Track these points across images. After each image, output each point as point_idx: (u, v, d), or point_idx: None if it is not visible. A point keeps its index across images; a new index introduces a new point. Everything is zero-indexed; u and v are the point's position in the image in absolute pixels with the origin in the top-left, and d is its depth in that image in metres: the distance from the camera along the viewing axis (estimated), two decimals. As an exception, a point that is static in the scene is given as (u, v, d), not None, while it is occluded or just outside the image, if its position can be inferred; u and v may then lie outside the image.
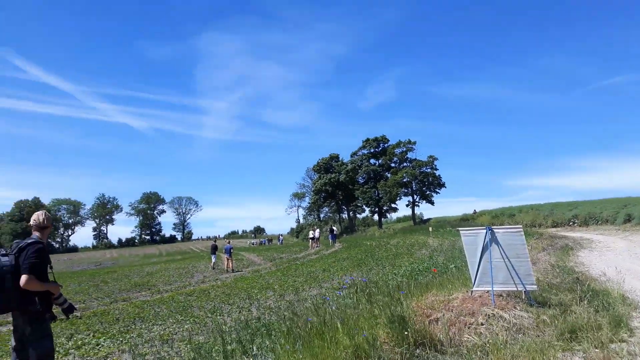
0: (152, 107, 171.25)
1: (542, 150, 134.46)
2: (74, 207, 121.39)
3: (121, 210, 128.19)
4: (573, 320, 6.10)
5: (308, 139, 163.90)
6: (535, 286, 7.39)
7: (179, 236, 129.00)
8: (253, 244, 69.61)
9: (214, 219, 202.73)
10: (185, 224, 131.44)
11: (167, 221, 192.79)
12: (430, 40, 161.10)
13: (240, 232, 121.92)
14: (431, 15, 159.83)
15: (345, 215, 76.79)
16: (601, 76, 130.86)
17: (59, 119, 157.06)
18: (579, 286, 7.85)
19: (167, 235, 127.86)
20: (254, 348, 6.91)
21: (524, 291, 7.24)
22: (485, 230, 7.53)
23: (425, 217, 66.77)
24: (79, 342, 9.16)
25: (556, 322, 6.14)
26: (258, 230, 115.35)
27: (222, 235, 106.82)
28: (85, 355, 8.05)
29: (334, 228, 40.94)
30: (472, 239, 7.70)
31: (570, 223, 31.34)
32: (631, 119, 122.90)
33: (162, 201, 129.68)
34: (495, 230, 7.51)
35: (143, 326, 10.60)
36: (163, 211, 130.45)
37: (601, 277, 9.82)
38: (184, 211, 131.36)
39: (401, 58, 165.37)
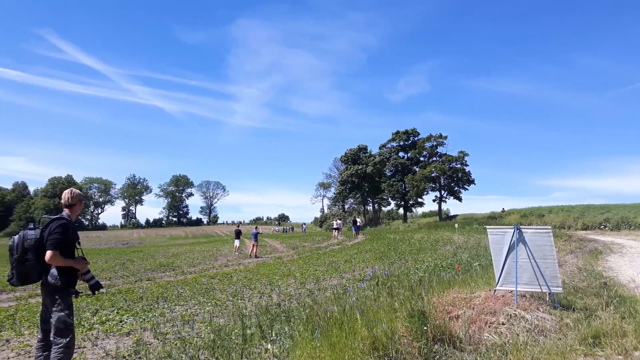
0: (185, 91, 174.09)
1: (574, 151, 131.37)
2: (105, 186, 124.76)
3: (150, 192, 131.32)
4: (597, 325, 5.97)
5: (336, 129, 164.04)
6: (561, 289, 7.25)
7: (205, 219, 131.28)
8: (276, 231, 70.17)
9: (239, 205, 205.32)
10: (211, 207, 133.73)
11: (194, 204, 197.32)
12: (466, 33, 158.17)
13: (264, 219, 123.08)
14: (468, 7, 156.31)
15: (370, 208, 76.58)
16: (637, 78, 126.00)
17: (94, 99, 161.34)
18: (605, 291, 7.65)
19: (194, 218, 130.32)
20: (273, 333, 7.00)
21: (549, 293, 7.11)
22: (513, 230, 7.41)
23: (451, 214, 66.02)
24: (103, 318, 9.41)
25: (579, 326, 6.03)
26: (282, 218, 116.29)
27: (247, 221, 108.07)
28: (108, 331, 8.26)
29: (358, 220, 40.85)
30: (499, 238, 7.60)
31: (602, 226, 30.50)
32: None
33: (191, 184, 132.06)
34: (523, 230, 7.38)
35: (165, 306, 10.80)
36: (191, 194, 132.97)
37: (630, 283, 9.56)
38: (211, 195, 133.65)
39: (435, 50, 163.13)
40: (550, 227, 7.63)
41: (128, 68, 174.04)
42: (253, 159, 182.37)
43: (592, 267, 12.18)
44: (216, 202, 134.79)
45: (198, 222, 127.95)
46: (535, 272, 7.05)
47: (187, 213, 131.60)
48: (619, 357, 4.99)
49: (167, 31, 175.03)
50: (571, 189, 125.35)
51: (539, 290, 7.17)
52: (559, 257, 14.10)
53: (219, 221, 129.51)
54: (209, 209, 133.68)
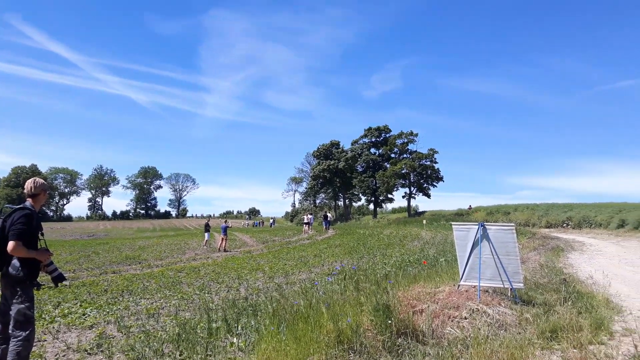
0: (156, 82, 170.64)
1: (542, 150, 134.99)
2: (71, 177, 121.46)
3: (118, 183, 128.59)
4: (555, 320, 6.16)
5: (310, 124, 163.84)
6: (522, 284, 7.45)
7: (173, 212, 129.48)
8: (246, 225, 69.89)
9: (210, 198, 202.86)
10: (180, 200, 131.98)
11: (163, 197, 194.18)
12: (439, 32, 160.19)
13: (235, 213, 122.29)
14: (443, 7, 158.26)
15: (341, 203, 76.97)
16: (606, 80, 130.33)
17: (62, 87, 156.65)
18: (564, 287, 7.91)
19: (162, 211, 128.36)
20: (239, 327, 6.99)
21: (510, 288, 7.30)
22: (477, 226, 7.57)
23: (420, 210, 66.94)
24: (66, 311, 9.20)
25: (538, 320, 6.21)
26: (253, 212, 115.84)
27: (216, 215, 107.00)
28: (70, 324, 8.08)
29: (329, 214, 41.00)
30: (463, 234, 7.75)
31: (564, 225, 31.48)
32: (633, 124, 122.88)
33: (160, 176, 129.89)
34: (487, 226, 7.54)
35: (130, 299, 10.65)
36: (160, 186, 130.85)
37: (588, 280, 9.91)
38: (180, 188, 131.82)
39: (409, 48, 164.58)
40: (513, 224, 7.82)
41: (98, 57, 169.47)
42: (225, 152, 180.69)
43: (554, 263, 12.56)
44: (185, 195, 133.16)
45: (166, 215, 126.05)
46: (498, 268, 7.22)
47: (155, 206, 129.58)
48: (574, 350, 5.16)
49: (138, 20, 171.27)
50: (537, 187, 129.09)
51: (501, 285, 7.35)
52: (523, 254, 14.51)
53: (188, 214, 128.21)
54: (178, 202, 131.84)
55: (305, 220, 36.78)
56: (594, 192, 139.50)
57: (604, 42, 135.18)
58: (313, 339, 5.35)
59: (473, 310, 6.38)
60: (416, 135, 62.75)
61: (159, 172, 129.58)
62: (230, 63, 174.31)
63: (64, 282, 5.32)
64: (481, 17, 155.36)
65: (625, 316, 7.00)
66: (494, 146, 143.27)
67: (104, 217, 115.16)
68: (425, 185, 60.79)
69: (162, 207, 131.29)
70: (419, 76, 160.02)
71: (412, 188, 61.62)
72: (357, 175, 67.17)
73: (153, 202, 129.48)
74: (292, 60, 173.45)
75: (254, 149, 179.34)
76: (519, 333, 5.86)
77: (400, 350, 5.27)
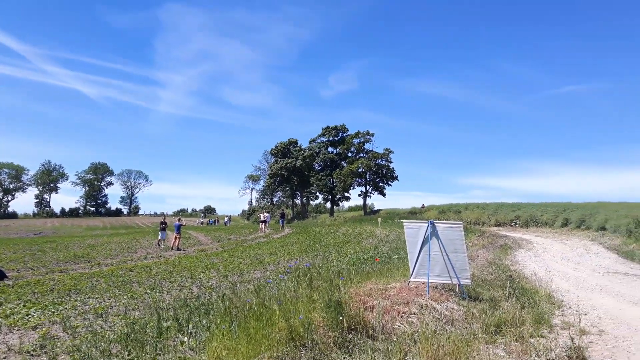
0: (107, 76, 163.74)
1: (492, 151, 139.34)
2: (16, 172, 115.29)
3: (67, 179, 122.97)
4: (500, 315, 6.42)
5: (267, 122, 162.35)
6: (469, 281, 7.70)
7: (125, 210, 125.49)
8: (201, 224, 68.78)
9: (163, 196, 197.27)
10: (132, 198, 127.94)
11: (114, 194, 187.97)
12: (395, 34, 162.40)
13: (190, 211, 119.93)
14: (399, 10, 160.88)
15: (298, 201, 76.96)
16: (552, 85, 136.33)
17: (6, 78, 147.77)
18: (509, 284, 8.22)
19: (113, 208, 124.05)
20: (190, 326, 6.92)
21: (458, 285, 7.53)
22: (427, 224, 7.75)
23: (375, 208, 67.77)
24: (8, 311, 8.79)
25: (484, 315, 6.44)
26: (209, 210, 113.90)
27: (170, 213, 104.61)
28: (12, 325, 7.73)
29: (285, 212, 40.90)
30: (414, 232, 7.92)
31: (512, 223, 32.71)
32: (577, 127, 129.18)
33: (111, 173, 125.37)
34: (436, 224, 7.74)
35: (78, 298, 10.29)
36: (111, 183, 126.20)
37: (532, 276, 10.35)
38: (132, 185, 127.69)
39: (365, 49, 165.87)
40: (461, 222, 8.06)
41: (46, 48, 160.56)
42: (179, 149, 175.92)
43: (501, 261, 13.05)
44: (138, 192, 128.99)
45: (118, 212, 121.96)
46: (447, 265, 7.43)
47: (106, 203, 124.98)
48: (516, 343, 5.38)
49: (90, 11, 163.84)
50: (488, 187, 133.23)
51: (450, 282, 7.57)
52: (472, 252, 14.98)
53: (141, 212, 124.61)
54: (129, 199, 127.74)
55: (262, 219, 36.53)
56: (541, 193, 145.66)
57: (550, 48, 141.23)
58: (265, 336, 5.34)
59: (422, 306, 6.53)
60: (372, 135, 63.54)
61: (110, 169, 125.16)
62: (185, 58, 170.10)
63: (6, 281, 5.09)
64: (435, 21, 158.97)
65: (564, 310, 7.36)
66: (447, 147, 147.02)
67: (51, 215, 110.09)
68: (380, 184, 61.65)
69: (113, 204, 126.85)
70: (374, 77, 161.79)
71: (368, 187, 62.35)
72: (315, 174, 67.34)
73: (104, 199, 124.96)
74: (249, 57, 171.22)
75: (209, 145, 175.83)
76: (465, 328, 6.06)
77: (351, 346, 5.35)
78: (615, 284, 9.99)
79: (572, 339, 5.14)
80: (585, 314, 7.15)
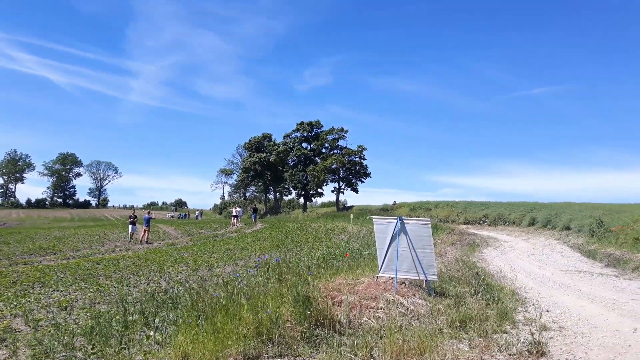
0: (76, 63, 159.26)
1: (462, 150, 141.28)
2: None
3: (33, 169, 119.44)
4: (465, 310, 6.54)
5: (241, 115, 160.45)
6: (436, 277, 7.82)
7: (93, 202, 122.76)
8: (172, 217, 67.96)
9: (133, 188, 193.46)
10: (101, 189, 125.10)
11: (82, 185, 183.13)
12: (370, 30, 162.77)
13: (160, 204, 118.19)
14: (375, 6, 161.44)
15: (271, 196, 76.72)
16: (522, 86, 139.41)
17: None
18: (475, 280, 8.38)
19: (81, 200, 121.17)
20: (157, 320, 6.85)
21: (425, 280, 7.64)
22: (396, 220, 7.83)
23: (348, 204, 68.26)
24: (-34, 304, 8.55)
25: (450, 311, 6.56)
26: (180, 204, 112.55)
27: (140, 205, 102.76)
28: (-30, 318, 7.51)
29: (258, 207, 40.71)
30: (383, 228, 8.00)
31: (481, 222, 33.35)
32: (544, 128, 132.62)
33: (79, 164, 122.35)
34: (405, 221, 7.83)
35: (42, 291, 10.08)
36: (79, 174, 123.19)
37: (498, 273, 10.58)
38: (101, 176, 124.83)
39: (340, 44, 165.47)
40: (429, 219, 8.18)
41: (13, 33, 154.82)
42: (150, 140, 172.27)
43: (469, 258, 13.29)
44: (107, 184, 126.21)
45: (86, 204, 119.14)
46: (414, 261, 7.53)
47: (74, 194, 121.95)
48: (480, 339, 5.50)
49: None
50: (458, 185, 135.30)
51: (417, 277, 7.68)
52: (441, 249, 15.23)
53: (109, 204, 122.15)
54: (98, 191, 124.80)
55: (234, 213, 36.25)
56: (509, 192, 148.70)
57: (520, 51, 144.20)
58: (232, 331, 5.33)
59: (389, 301, 6.60)
60: (346, 131, 63.80)
61: (79, 159, 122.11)
62: (157, 47, 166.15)
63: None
64: (410, 19, 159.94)
65: (528, 307, 7.55)
66: (419, 145, 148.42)
67: (17, 205, 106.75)
68: (353, 180, 62.03)
69: (82, 196, 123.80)
70: (350, 73, 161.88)
71: (341, 183, 62.64)
72: (289, 169, 67.19)
73: (71, 190, 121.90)
74: (222, 48, 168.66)
75: (181, 137, 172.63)
76: (431, 323, 6.16)
77: (318, 340, 5.38)
78: (577, 282, 10.29)
79: (532, 334, 5.27)
80: (547, 311, 7.34)
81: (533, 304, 7.62)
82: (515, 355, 4.98)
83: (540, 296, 8.45)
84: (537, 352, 4.99)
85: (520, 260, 14.32)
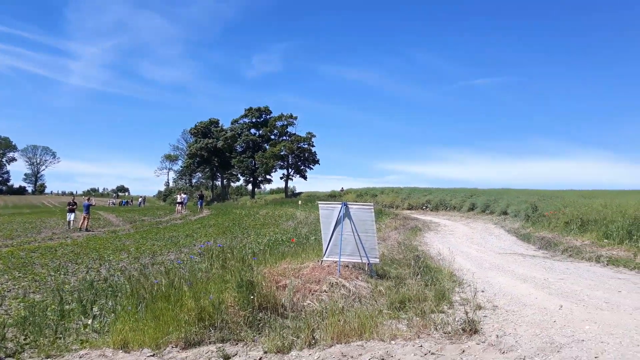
0: (12, 43, 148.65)
1: (408, 138, 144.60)
2: None
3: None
4: (404, 292, 6.77)
5: (187, 100, 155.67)
6: (378, 260, 8.03)
7: (29, 188, 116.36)
8: (113, 204, 65.68)
9: (72, 174, 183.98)
10: (38, 175, 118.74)
11: (17, 171, 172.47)
12: (319, 18, 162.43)
13: (101, 190, 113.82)
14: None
15: (218, 183, 75.60)
16: (465, 76, 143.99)
17: None
18: (416, 263, 8.66)
19: (16, 186, 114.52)
20: (96, 309, 6.68)
21: (368, 264, 7.82)
22: (340, 205, 7.95)
23: (297, 191, 68.42)
24: None
25: (390, 292, 6.76)
26: (121, 190, 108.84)
27: (79, 192, 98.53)
28: None
29: (204, 194, 40.06)
30: (328, 213, 8.10)
31: (424, 207, 34.41)
32: (486, 118, 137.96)
33: (14, 148, 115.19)
34: (349, 206, 7.96)
35: (-30, 282, 9.50)
36: (13, 159, 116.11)
37: (437, 256, 10.99)
38: (38, 162, 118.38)
39: (290, 31, 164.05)
40: (372, 204, 8.37)
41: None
42: (91, 124, 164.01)
43: (410, 242, 13.71)
44: (44, 169, 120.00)
45: (21, 190, 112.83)
46: (358, 245, 7.69)
47: (8, 180, 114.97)
48: (417, 318, 5.71)
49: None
50: (403, 172, 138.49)
51: (360, 261, 7.85)
52: (385, 233, 15.60)
53: (47, 191, 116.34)
54: (35, 176, 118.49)
55: (179, 200, 35.46)
56: (451, 178, 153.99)
57: (464, 43, 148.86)
58: (173, 317, 5.30)
59: (333, 284, 6.72)
60: (295, 118, 63.77)
61: (13, 144, 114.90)
62: (99, 28, 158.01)
63: None
64: (361, 9, 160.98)
65: (464, 288, 7.88)
66: (367, 133, 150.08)
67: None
68: (302, 167, 62.26)
69: (17, 182, 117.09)
70: (299, 60, 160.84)
71: (290, 170, 62.73)
72: (236, 155, 66.34)
73: (5, 176, 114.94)
74: (168, 31, 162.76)
75: (124, 122, 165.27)
76: (372, 304, 6.32)
77: (261, 324, 5.42)
78: (511, 264, 10.84)
79: (466, 313, 5.53)
80: (483, 291, 7.70)
81: (469, 285, 7.96)
82: (450, 333, 5.20)
83: (476, 277, 8.84)
84: (470, 330, 5.23)
85: (459, 244, 14.91)
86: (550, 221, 17.06)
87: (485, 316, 6.12)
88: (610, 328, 5.33)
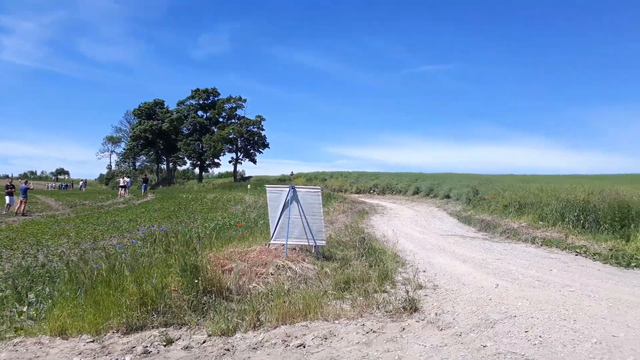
0: None
1: (356, 123, 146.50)
2: None
3: None
4: (349, 273, 6.92)
5: (130, 80, 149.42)
6: (324, 242, 8.16)
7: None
8: (52, 188, 62.65)
9: (7, 156, 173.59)
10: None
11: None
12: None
13: (39, 173, 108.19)
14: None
15: (164, 166, 73.58)
16: (412, 64, 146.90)
17: None
18: (361, 244, 8.87)
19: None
20: (31, 295, 6.42)
21: (315, 246, 7.93)
22: (288, 189, 7.98)
23: (246, 175, 67.84)
24: None
25: (336, 274, 6.89)
26: (61, 173, 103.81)
27: (16, 175, 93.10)
28: None
29: (148, 177, 38.94)
30: (276, 196, 8.12)
31: (371, 191, 35.10)
32: (430, 104, 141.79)
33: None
34: (297, 189, 8.01)
35: None
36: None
37: (382, 238, 11.28)
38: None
39: (240, 11, 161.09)
40: (319, 187, 8.47)
41: None
42: (27, 104, 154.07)
43: (357, 224, 13.97)
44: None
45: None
46: (305, 227, 7.77)
47: None
48: (361, 298, 5.86)
49: None
50: (352, 157, 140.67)
51: (307, 243, 7.94)
52: (333, 217, 15.80)
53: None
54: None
55: (122, 184, 34.26)
56: (399, 163, 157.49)
57: (412, 30, 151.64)
58: (114, 302, 5.19)
59: (279, 266, 6.78)
60: (245, 100, 62.92)
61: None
62: (35, 1, 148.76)
63: None
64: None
65: (407, 268, 8.14)
66: (317, 117, 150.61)
67: None
68: (252, 151, 61.73)
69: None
70: (249, 42, 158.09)
71: (239, 153, 62.04)
72: (183, 138, 64.70)
73: None
74: (110, 7, 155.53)
75: (63, 102, 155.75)
76: (318, 286, 6.43)
77: (206, 308, 5.39)
78: (452, 245, 11.28)
79: (407, 292, 5.74)
80: (424, 271, 7.99)
81: (412, 265, 8.22)
82: (391, 312, 5.39)
83: (418, 258, 9.15)
84: (411, 308, 5.44)
85: (403, 226, 15.35)
86: (490, 204, 17.83)
87: (426, 295, 6.37)
88: (540, 304, 5.68)
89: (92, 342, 4.68)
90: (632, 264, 8.47)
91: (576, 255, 9.74)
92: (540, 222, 13.28)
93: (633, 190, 12.95)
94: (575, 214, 12.19)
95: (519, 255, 9.79)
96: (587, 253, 9.69)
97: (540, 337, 4.51)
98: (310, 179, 43.53)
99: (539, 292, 6.46)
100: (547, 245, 10.98)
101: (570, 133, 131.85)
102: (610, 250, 9.61)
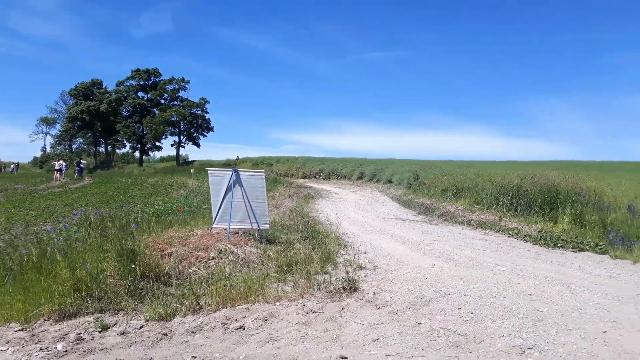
0: None
1: (302, 108, 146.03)
2: None
3: None
4: (292, 255, 6.99)
5: (64, 58, 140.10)
6: (268, 225, 8.16)
7: None
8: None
9: None
10: None
11: None
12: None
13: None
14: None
15: (102, 149, 70.50)
16: (359, 50, 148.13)
17: None
18: (304, 227, 8.96)
19: None
20: (-48, 285, 6.01)
21: (258, 230, 7.92)
22: (231, 172, 7.90)
23: (190, 159, 66.24)
24: None
25: (278, 257, 6.94)
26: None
27: None
28: None
29: (83, 161, 37.24)
30: (218, 179, 8.01)
31: (317, 176, 35.34)
32: (376, 90, 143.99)
33: None
34: (240, 172, 7.94)
35: None
36: None
37: (326, 221, 11.43)
38: None
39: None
40: (263, 171, 8.43)
41: None
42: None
43: (302, 208, 14.06)
44: None
45: None
46: (248, 211, 7.73)
47: None
48: (303, 280, 5.95)
49: None
50: (298, 142, 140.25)
51: (250, 227, 7.92)
52: (278, 201, 15.80)
53: None
54: None
55: (57, 167, 32.58)
56: (344, 149, 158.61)
57: (359, 16, 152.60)
58: (45, 289, 4.99)
59: (221, 250, 6.73)
60: (188, 82, 61.02)
61: None
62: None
63: None
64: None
65: (349, 250, 8.31)
66: (263, 101, 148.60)
67: None
68: (195, 134, 60.18)
69: None
70: (193, 21, 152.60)
71: (182, 137, 60.33)
72: (122, 120, 61.95)
73: None
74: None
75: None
76: (260, 269, 6.45)
77: (144, 293, 5.28)
78: (392, 228, 11.60)
79: (347, 273, 5.88)
80: (365, 253, 8.19)
81: (353, 247, 8.40)
82: (332, 292, 5.51)
83: (360, 240, 9.37)
84: (350, 289, 5.58)
85: (347, 210, 15.61)
86: (430, 189, 18.44)
87: (366, 275, 6.55)
88: (473, 283, 5.99)
89: (21, 330, 4.49)
90: (559, 245, 9.06)
91: (509, 237, 10.29)
92: (476, 206, 13.88)
93: (562, 175, 13.77)
94: (509, 198, 12.83)
95: (456, 237, 10.22)
96: (519, 235, 10.26)
97: (471, 313, 4.76)
98: (256, 163, 43.21)
99: (473, 271, 6.79)
100: (482, 227, 11.52)
101: (507, 122, 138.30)
102: (540, 232, 10.24)
